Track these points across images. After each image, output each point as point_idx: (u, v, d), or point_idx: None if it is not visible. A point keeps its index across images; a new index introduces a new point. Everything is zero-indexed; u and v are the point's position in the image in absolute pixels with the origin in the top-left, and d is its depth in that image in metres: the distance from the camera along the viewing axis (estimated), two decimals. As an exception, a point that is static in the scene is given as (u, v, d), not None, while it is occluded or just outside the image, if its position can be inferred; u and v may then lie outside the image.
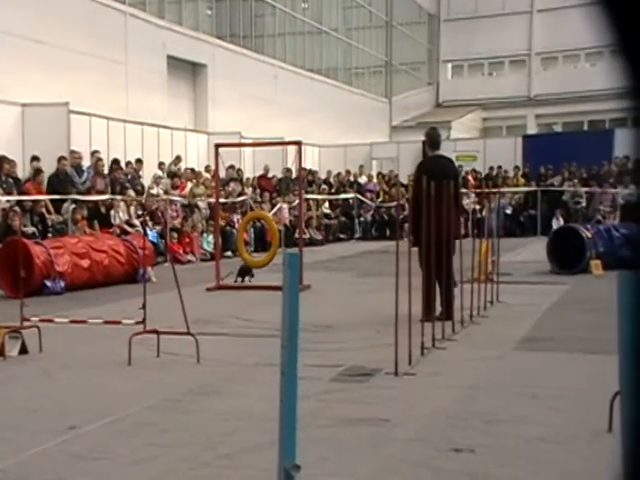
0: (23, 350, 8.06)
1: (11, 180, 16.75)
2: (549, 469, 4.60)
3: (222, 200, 19.52)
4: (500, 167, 29.30)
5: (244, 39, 31.13)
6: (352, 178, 30.10)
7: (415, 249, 9.37)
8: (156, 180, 21.06)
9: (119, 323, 8.39)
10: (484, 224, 13.07)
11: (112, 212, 18.31)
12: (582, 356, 7.49)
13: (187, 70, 27.76)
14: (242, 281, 14.10)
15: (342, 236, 27.13)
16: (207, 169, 23.08)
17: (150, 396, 6.40)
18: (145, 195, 20.10)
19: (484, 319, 10.04)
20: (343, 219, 27.85)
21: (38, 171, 17.43)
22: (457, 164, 30.14)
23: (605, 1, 1.27)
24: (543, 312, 10.62)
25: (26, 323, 8.33)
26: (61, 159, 17.93)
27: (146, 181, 21.08)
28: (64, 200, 17.21)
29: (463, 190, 22.39)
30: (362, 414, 5.74)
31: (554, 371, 7.12)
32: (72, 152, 18.68)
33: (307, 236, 22.82)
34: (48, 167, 17.78)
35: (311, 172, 28.98)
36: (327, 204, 28.01)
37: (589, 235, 15.20)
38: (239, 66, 29.47)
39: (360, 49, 41.63)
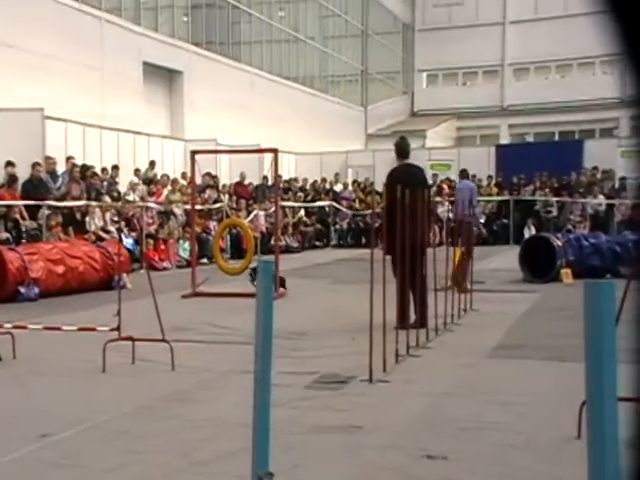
0: (-4, 357, 8.02)
1: (-16, 186, 16.64)
2: (520, 475, 4.66)
3: (198, 207, 19.50)
4: (474, 176, 29.44)
5: (220, 46, 31.14)
6: (328, 186, 30.17)
7: (389, 257, 9.46)
8: (132, 186, 21.01)
9: (94, 330, 8.35)
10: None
11: (87, 218, 18.23)
12: (553, 363, 7.57)
13: (163, 76, 27.72)
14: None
15: (318, 243, 27.17)
16: (183, 176, 23.05)
17: (124, 403, 6.39)
18: (121, 201, 20.03)
19: (458, 327, 10.12)
20: (319, 227, 27.90)
21: (12, 177, 17.32)
22: (432, 172, 30.47)
23: (612, 12, 1.32)
24: (515, 320, 10.73)
25: (-1, 330, 8.30)
26: (35, 165, 17.83)
27: (122, 187, 21.02)
28: (38, 206, 17.11)
29: (437, 199, 22.57)
30: (336, 421, 5.77)
31: (525, 378, 7.21)
32: (47, 158, 18.60)
33: (283, 243, 22.83)
34: (23, 173, 17.67)
35: (290, 181, 29.04)
36: (303, 211, 28.05)
37: (560, 244, 15.39)
38: (215, 73, 29.48)
39: (336, 57, 41.78)
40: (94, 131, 21.66)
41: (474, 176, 29.08)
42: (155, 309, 7.56)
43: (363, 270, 11.54)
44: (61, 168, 19.10)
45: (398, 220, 8.19)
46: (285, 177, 28.87)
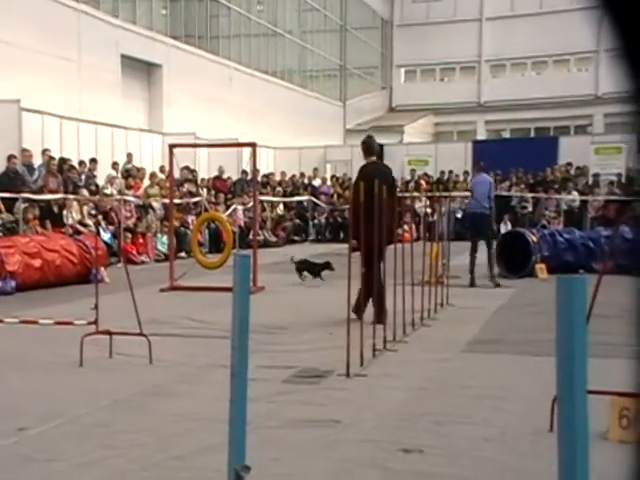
0: (-27, 351, 8.00)
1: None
2: (493, 468, 4.72)
3: (176, 201, 19.47)
4: (451, 171, 29.66)
5: (199, 40, 31.03)
6: (306, 180, 30.19)
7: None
8: (110, 180, 20.92)
9: (71, 324, 8.33)
10: (435, 227, 13.24)
11: (65, 212, 18.14)
12: (527, 358, 7.65)
13: (142, 70, 27.59)
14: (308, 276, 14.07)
15: (296, 238, 27.18)
16: (162, 169, 22.99)
17: (102, 397, 6.39)
18: (99, 195, 19.95)
19: (434, 321, 10.19)
20: (297, 221, 27.91)
21: (-12, 169, 17.21)
22: (410, 168, 30.48)
23: (608, 6, 1.33)
24: (491, 315, 10.83)
25: (-24, 323, 8.26)
26: (11, 157, 17.71)
27: (100, 181, 20.93)
28: (15, 199, 17.00)
29: (415, 194, 22.63)
30: (313, 415, 5.81)
31: (500, 373, 7.28)
32: (23, 150, 18.48)
33: (262, 238, 22.83)
34: (-2, 165, 17.58)
35: (268, 175, 29.03)
36: (281, 206, 28.05)
37: (535, 239, 15.52)
38: (194, 67, 29.37)
39: (315, 52, 41.74)
40: (71, 124, 21.54)
41: (450, 172, 29.32)
42: (133, 303, 7.56)
43: (341, 265, 11.60)
44: (38, 161, 18.98)
45: (363, 216, 8.38)
46: (264, 171, 28.86)
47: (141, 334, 7.63)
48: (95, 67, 23.82)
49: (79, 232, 17.38)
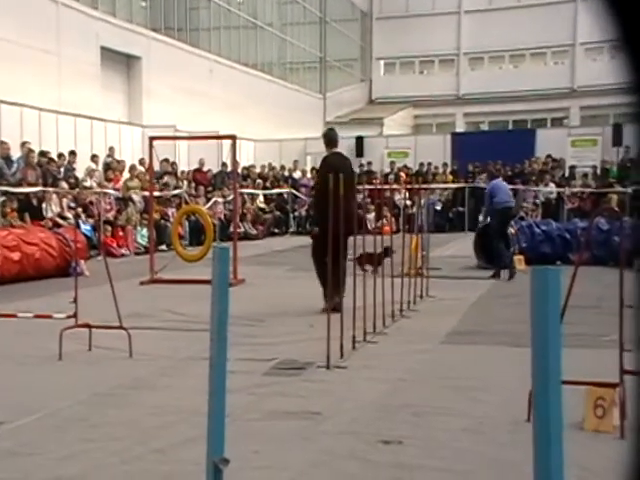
0: (-49, 345, 7.96)
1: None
2: (472, 458, 4.76)
3: (157, 193, 19.42)
4: (430, 164, 29.75)
5: (179, 32, 30.90)
6: (287, 173, 30.17)
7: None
8: (89, 173, 20.84)
9: (50, 317, 8.30)
10: (414, 220, 13.30)
11: (44, 205, 18.05)
12: (505, 349, 7.71)
13: (121, 62, 27.45)
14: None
15: (276, 230, 27.18)
16: (141, 162, 22.91)
17: (81, 391, 6.39)
18: (78, 188, 19.86)
19: (414, 313, 10.24)
20: (278, 213, 27.90)
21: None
22: (389, 160, 30.55)
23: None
24: (470, 306, 10.90)
25: (-46, 317, 8.22)
26: (-11, 150, 17.62)
27: (79, 173, 20.83)
28: (-7, 192, 16.92)
29: (395, 186, 22.70)
30: (294, 407, 5.83)
31: (479, 364, 7.33)
32: (1, 143, 18.36)
33: (242, 230, 22.82)
34: (-23, 158, 17.45)
35: (248, 168, 28.98)
36: (262, 198, 28.02)
37: (513, 231, 15.63)
38: (174, 59, 29.24)
39: (295, 45, 41.67)
40: (50, 116, 21.42)
41: (429, 164, 29.47)
42: (113, 296, 7.55)
43: (321, 257, 11.56)
44: (16, 153, 18.86)
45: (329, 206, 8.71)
46: (244, 164, 28.81)
47: (121, 327, 7.62)
48: (74, 59, 23.67)
49: (58, 225, 17.31)
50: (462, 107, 46.48)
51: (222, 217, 22.93)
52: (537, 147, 30.09)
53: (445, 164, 29.84)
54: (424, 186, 15.53)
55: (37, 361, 7.50)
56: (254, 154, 32.27)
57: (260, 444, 5.00)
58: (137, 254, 19.16)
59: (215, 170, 26.16)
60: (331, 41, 45.07)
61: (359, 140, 32.40)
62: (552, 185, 26.57)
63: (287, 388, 6.41)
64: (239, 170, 24.24)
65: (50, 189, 18.50)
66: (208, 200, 23.31)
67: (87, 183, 20.36)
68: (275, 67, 39.68)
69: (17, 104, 19.61)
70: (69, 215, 18.45)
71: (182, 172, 24.98)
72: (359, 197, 12.83)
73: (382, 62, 49.87)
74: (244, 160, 29.10)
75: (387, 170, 29.65)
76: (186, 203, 20.53)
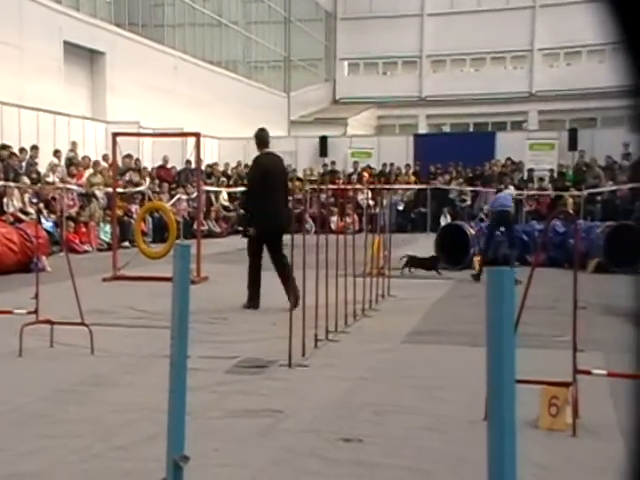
0: None
1: None
2: (431, 456, 4.84)
3: (120, 190, 19.30)
4: (392, 164, 29.89)
5: (143, 28, 30.70)
6: (251, 171, 30.03)
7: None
8: (52, 168, 20.65)
9: (10, 313, 8.21)
10: (377, 219, 13.38)
11: (5, 200, 17.86)
12: (465, 348, 7.79)
13: (85, 57, 27.21)
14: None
15: (240, 228, 27.09)
16: (105, 158, 22.75)
17: (42, 387, 6.37)
18: (40, 183, 19.67)
19: (376, 312, 10.32)
20: (241, 212, 27.80)
21: None
22: (353, 160, 30.63)
23: (609, 1, 1.34)
24: (430, 306, 11.00)
25: None
26: (-51, 144, 17.39)
27: (42, 169, 20.64)
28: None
29: (358, 186, 22.78)
30: (255, 405, 5.87)
31: (439, 363, 7.43)
32: (-40, 137, 18.16)
33: (205, 228, 22.76)
34: None
35: (212, 165, 28.87)
36: (226, 196, 27.94)
37: (473, 232, 15.77)
38: (139, 55, 29.06)
39: (259, 43, 41.62)
40: (12, 110, 21.19)
41: (392, 164, 29.65)
42: (75, 292, 7.52)
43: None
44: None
45: (259, 204, 10.06)
46: (208, 162, 28.71)
47: (83, 324, 7.60)
48: (37, 53, 23.42)
49: (20, 220, 17.14)
50: (425, 109, 46.76)
51: (186, 214, 22.84)
52: (497, 150, 30.43)
53: (408, 165, 30.01)
54: (387, 186, 15.61)
55: (-3, 357, 7.46)
56: (218, 152, 32.18)
57: (221, 442, 5.03)
58: (100, 250, 19.04)
59: (179, 167, 26.07)
60: (296, 40, 45.07)
61: (323, 140, 32.46)
62: (512, 188, 26.85)
63: (249, 386, 6.45)
64: (203, 168, 24.15)
65: (12, 184, 18.30)
66: (172, 197, 23.22)
67: (50, 178, 20.17)
68: (240, 65, 39.61)
69: (-23, 98, 19.39)
70: (31, 210, 18.26)
71: (144, 168, 24.81)
72: (322, 197, 12.93)
73: (346, 62, 49.98)
74: (208, 158, 29.00)
75: (350, 170, 29.75)
76: (149, 200, 20.43)
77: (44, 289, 7.93)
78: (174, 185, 24.73)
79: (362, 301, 10.06)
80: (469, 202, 27.26)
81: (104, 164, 22.45)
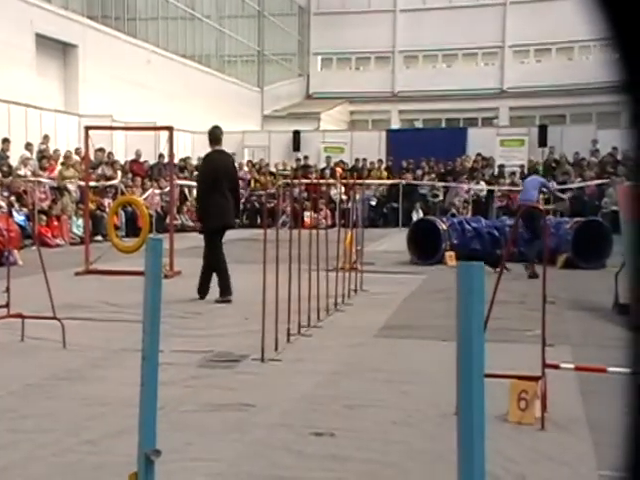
0: None
1: None
2: (400, 450, 4.87)
3: (92, 183, 19.20)
4: (365, 159, 29.96)
5: (116, 21, 30.47)
6: (224, 165, 29.97)
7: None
8: (23, 161, 20.48)
9: (-19, 307, 8.20)
10: (350, 214, 13.41)
11: (-25, 193, 17.72)
12: (436, 343, 7.83)
13: (57, 50, 26.96)
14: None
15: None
16: (77, 151, 22.59)
17: (12, 381, 6.34)
18: (11, 176, 19.51)
19: (348, 307, 10.36)
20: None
21: None
22: (325, 155, 30.65)
23: None
24: (402, 300, 11.05)
25: None
26: None
27: (13, 162, 20.45)
28: None
29: (331, 181, 22.82)
30: (228, 400, 5.88)
31: (410, 357, 7.47)
32: None
33: (179, 222, 22.69)
34: None
35: (185, 159, 28.77)
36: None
37: (444, 228, 15.86)
38: (111, 48, 28.83)
39: (232, 37, 41.45)
40: (-18, 103, 20.99)
41: (364, 159, 29.71)
42: (46, 286, 7.49)
43: (257, 250, 11.60)
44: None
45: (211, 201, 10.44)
46: (181, 155, 28.61)
47: (54, 318, 7.56)
48: (8, 44, 23.15)
49: (-9, 214, 16.99)
50: (397, 104, 46.83)
51: (159, 208, 22.76)
52: (468, 145, 30.70)
53: (380, 160, 30.09)
54: (359, 181, 15.64)
55: (-33, 352, 7.41)
56: (192, 146, 32.05)
57: (193, 436, 5.04)
58: (72, 244, 18.94)
59: (152, 161, 25.96)
60: (269, 35, 44.95)
61: (296, 134, 32.47)
62: (482, 183, 27.08)
63: (221, 380, 6.46)
64: (176, 161, 24.07)
65: (-18, 177, 18.16)
66: (144, 191, 23.12)
67: (21, 172, 20.02)
68: (213, 59, 39.43)
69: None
70: (2, 204, 18.11)
71: (116, 161, 24.64)
72: (295, 192, 12.94)
73: (319, 57, 49.93)
74: (181, 151, 28.89)
75: (323, 165, 29.77)
76: (122, 194, 20.35)
77: (15, 283, 7.88)
78: (147, 179, 24.62)
79: (335, 296, 10.10)
80: (441, 197, 27.43)
81: (76, 157, 22.29)
